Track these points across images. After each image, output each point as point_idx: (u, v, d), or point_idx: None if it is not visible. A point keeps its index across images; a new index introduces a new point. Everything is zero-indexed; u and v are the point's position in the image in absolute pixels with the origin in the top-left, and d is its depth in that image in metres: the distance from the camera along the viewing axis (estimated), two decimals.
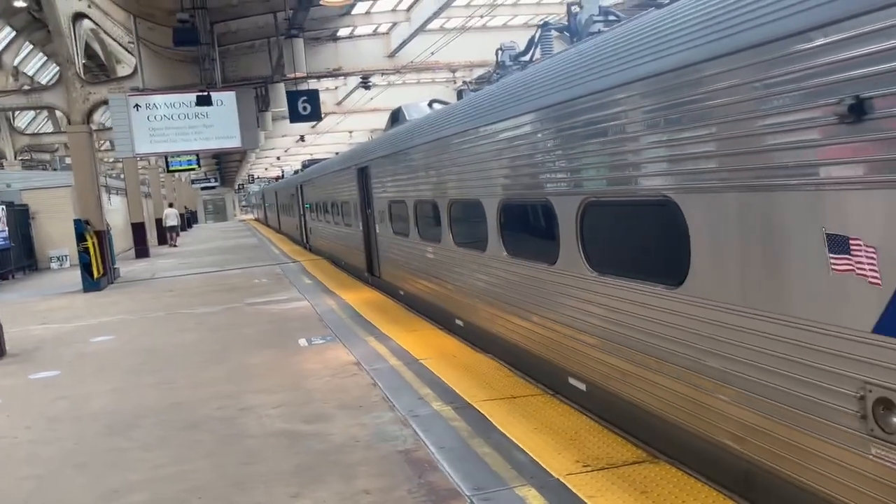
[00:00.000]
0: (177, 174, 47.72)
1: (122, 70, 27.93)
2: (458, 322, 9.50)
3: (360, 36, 21.82)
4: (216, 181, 63.06)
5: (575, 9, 7.89)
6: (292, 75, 15.79)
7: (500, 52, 9.34)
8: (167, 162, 31.69)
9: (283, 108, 19.56)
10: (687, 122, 4.37)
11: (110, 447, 6.42)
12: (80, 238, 18.38)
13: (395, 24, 20.66)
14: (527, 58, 8.83)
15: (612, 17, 7.13)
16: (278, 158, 61.34)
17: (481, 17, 18.99)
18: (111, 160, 40.11)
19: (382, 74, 22.99)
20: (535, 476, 4.91)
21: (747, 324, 4.01)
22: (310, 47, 20.73)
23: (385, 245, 13.56)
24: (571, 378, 6.35)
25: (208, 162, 55.53)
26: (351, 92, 28.73)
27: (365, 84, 23.19)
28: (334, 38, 21.37)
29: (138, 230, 30.69)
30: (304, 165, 31.16)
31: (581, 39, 7.10)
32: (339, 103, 31.75)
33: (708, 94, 4.12)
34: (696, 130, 4.29)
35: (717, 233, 4.24)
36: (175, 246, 36.03)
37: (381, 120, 22.96)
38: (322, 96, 32.16)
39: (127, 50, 22.16)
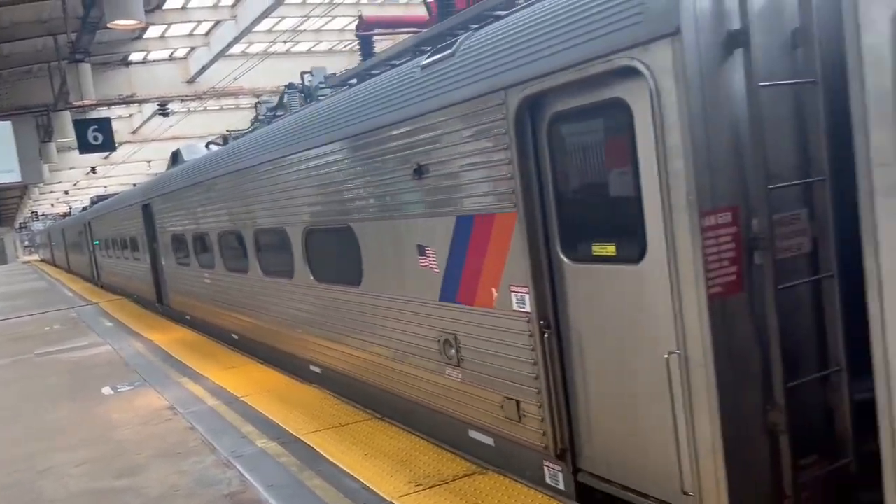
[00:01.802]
0: None
1: None
2: (234, 336, 11.25)
3: (155, 61, 20.74)
4: None
5: (307, 76, 9.83)
6: (79, 103, 14.59)
7: (258, 105, 11.15)
8: None
9: (70, 137, 18.00)
10: (350, 176, 6.55)
11: None
12: None
13: (192, 48, 19.87)
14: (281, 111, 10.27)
15: (332, 86, 8.54)
16: (66, 193, 56.22)
17: (284, 42, 18.79)
18: None
19: (182, 101, 21.94)
20: (368, 502, 4.89)
21: (390, 304, 6.21)
22: (99, 72, 19.31)
23: (170, 275, 14.85)
24: (311, 365, 8.31)
25: None
26: (148, 119, 27.11)
27: (163, 111, 21.97)
28: (126, 62, 20.13)
29: None
30: (93, 202, 30.50)
31: (312, 101, 8.81)
32: (134, 132, 29.80)
33: (359, 158, 6.31)
34: (354, 182, 6.50)
35: (371, 247, 6.43)
36: None
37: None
38: (115, 124, 30.11)
39: None
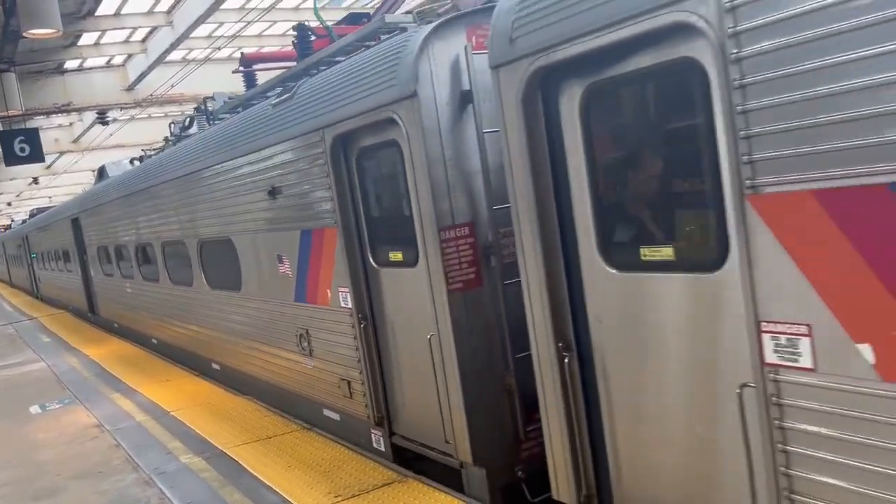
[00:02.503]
0: None
1: None
2: (154, 341, 12.22)
3: (91, 68, 20.21)
4: None
5: (210, 101, 10.14)
6: (5, 113, 14.16)
7: (171, 125, 11.49)
8: None
9: None
10: (229, 195, 7.50)
11: None
12: None
13: (130, 55, 19.43)
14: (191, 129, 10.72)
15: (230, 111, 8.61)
16: (9, 204, 54.58)
17: (220, 48, 18.52)
18: None
19: (121, 109, 21.44)
20: None
21: (262, 305, 7.31)
22: (31, 81, 18.78)
23: (99, 286, 15.83)
24: (212, 363, 9.29)
25: None
26: (88, 128, 26.47)
27: (102, 120, 21.45)
28: (61, 70, 19.59)
29: None
30: (32, 215, 31.18)
31: (213, 124, 9.21)
32: (75, 140, 29.08)
33: (234, 180, 7.36)
34: (232, 200, 7.49)
35: (246, 257, 7.48)
36: None
37: (126, 156, 21.41)
38: (56, 133, 29.36)
39: None
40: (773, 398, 2.78)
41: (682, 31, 2.89)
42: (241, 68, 8.47)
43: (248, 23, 17.32)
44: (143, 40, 18.60)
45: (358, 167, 5.50)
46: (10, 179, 39.16)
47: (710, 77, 2.88)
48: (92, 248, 15.36)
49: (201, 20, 15.40)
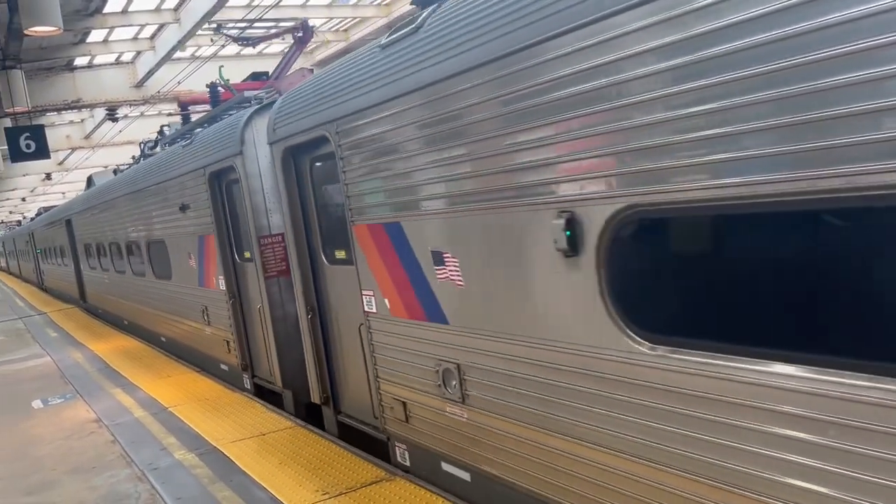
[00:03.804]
0: None
1: None
2: (125, 322, 14.63)
3: (101, 65, 20.31)
4: None
5: (165, 127, 12.31)
6: (11, 110, 14.24)
7: (141, 144, 13.30)
8: None
9: (4, 146, 17.59)
10: (162, 207, 9.87)
11: None
12: None
13: (139, 52, 19.52)
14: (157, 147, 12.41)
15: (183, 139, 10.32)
16: (23, 200, 55.07)
17: (226, 45, 18.55)
18: None
19: (131, 105, 21.55)
20: None
21: (183, 290, 9.70)
22: (41, 78, 18.91)
23: (87, 278, 18.59)
24: (161, 337, 11.85)
25: None
26: (99, 125, 26.63)
27: (111, 116, 21.56)
28: (71, 67, 19.70)
29: None
30: (38, 213, 34.67)
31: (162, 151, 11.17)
32: (86, 137, 29.27)
33: (165, 196, 9.79)
34: (163, 211, 9.94)
35: (174, 254, 9.84)
36: None
37: (135, 152, 21.52)
38: (67, 129, 29.56)
39: None
40: (368, 327, 5.34)
41: (328, 139, 5.38)
42: (179, 110, 11.31)
43: (253, 21, 17.36)
44: (152, 37, 18.68)
45: (225, 193, 8.11)
46: (23, 175, 39.52)
47: (341, 154, 5.21)
48: (80, 246, 18.32)
49: (208, 17, 15.44)
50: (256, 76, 9.78)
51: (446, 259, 4.34)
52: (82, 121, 28.93)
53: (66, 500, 5.63)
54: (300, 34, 8.80)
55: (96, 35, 17.95)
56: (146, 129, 26.70)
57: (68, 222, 19.57)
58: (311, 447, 5.99)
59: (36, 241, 29.87)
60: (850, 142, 2.29)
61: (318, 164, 5.98)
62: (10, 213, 66.56)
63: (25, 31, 9.40)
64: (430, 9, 4.43)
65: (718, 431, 2.87)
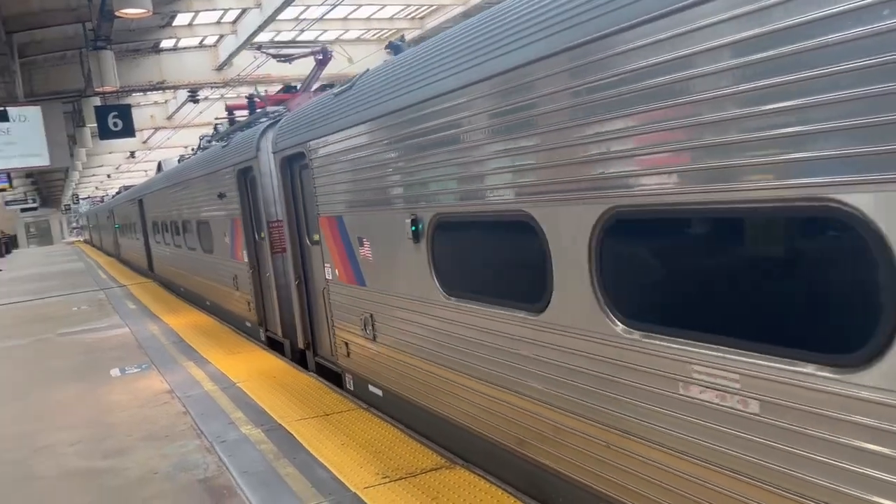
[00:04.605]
0: None
1: None
2: (182, 289, 17.23)
3: (185, 48, 20.98)
4: (35, 202, 57.95)
5: (219, 125, 14.95)
6: (100, 89, 14.86)
7: (201, 139, 15.10)
8: None
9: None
10: (204, 194, 12.48)
11: None
12: None
13: (221, 36, 20.06)
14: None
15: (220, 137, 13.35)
16: (109, 176, 57.53)
17: (304, 31, 18.83)
18: None
19: (211, 88, 22.21)
20: (334, 492, 4.91)
21: (220, 262, 12.38)
22: (129, 59, 19.67)
23: (154, 250, 21.27)
24: (206, 301, 14.47)
25: (24, 181, 50.98)
26: (181, 106, 27.53)
27: (193, 98, 22.28)
28: (157, 50, 20.42)
29: None
30: (118, 192, 38.64)
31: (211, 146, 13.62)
32: (169, 117, 30.31)
33: (206, 185, 12.46)
34: (205, 197, 12.52)
35: (215, 232, 12.26)
36: (0, 269, 33.83)
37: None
38: (151, 110, 30.65)
39: None
40: (327, 290, 7.41)
41: (305, 154, 7.39)
42: (226, 115, 14.34)
43: (334, 5, 17.59)
44: (234, 22, 19.15)
45: (248, 186, 10.17)
46: (109, 153, 41.25)
47: (311, 166, 7.23)
48: (149, 223, 21.18)
49: (288, 2, 15.72)
50: (288, 89, 12.07)
51: (364, 241, 6.44)
52: (166, 102, 29.97)
53: (139, 466, 5.86)
54: (321, 57, 10.59)
55: (182, 19, 18.55)
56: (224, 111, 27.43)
57: (140, 202, 22.28)
58: (372, 430, 6.06)
59: (115, 217, 32.93)
60: None
61: (303, 171, 7.82)
62: (96, 188, 69.68)
63: (116, 13, 9.77)
64: (361, 73, 6.68)
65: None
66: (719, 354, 3.01)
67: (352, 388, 7.35)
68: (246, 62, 19.89)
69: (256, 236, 10.08)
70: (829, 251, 2.64)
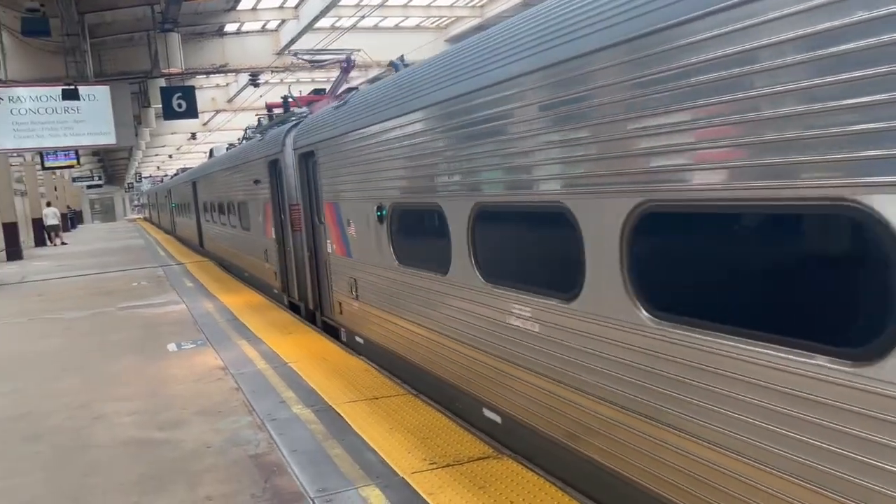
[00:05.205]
0: (58, 171, 45.15)
1: None
2: (224, 262, 19.53)
3: (247, 32, 21.32)
4: (101, 179, 59.94)
5: (263, 120, 16.60)
6: (167, 71, 15.22)
7: (246, 130, 17.83)
8: (42, 158, 29.85)
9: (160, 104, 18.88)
10: (240, 181, 15.18)
11: None
12: None
13: (283, 21, 20.30)
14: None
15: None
16: (170, 157, 59.05)
17: (366, 17, 18.90)
18: None
19: (272, 72, 22.52)
20: (382, 476, 4.94)
21: (254, 238, 14.56)
22: (194, 42, 20.07)
23: (206, 229, 23.12)
24: (244, 272, 16.30)
25: (91, 159, 52.71)
26: (242, 89, 28.01)
27: (254, 81, 22.63)
28: (221, 33, 20.79)
29: (9, 231, 28.76)
30: (175, 174, 42.58)
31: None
32: (230, 100, 30.88)
33: (241, 173, 15.26)
34: (241, 183, 15.32)
35: (251, 214, 14.54)
36: (66, 243, 35.34)
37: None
38: (213, 93, 31.26)
39: None
40: (328, 262, 9.47)
41: (314, 153, 9.44)
42: (266, 112, 16.16)
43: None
44: (297, 7, 19.35)
45: (276, 174, 11.83)
46: (172, 133, 42.25)
47: (318, 162, 9.28)
48: (201, 203, 23.40)
49: None
50: (317, 91, 13.91)
51: (350, 222, 8.29)
52: (227, 84, 30.52)
53: (193, 440, 6.00)
54: (345, 65, 12.49)
55: (246, 2, 18.83)
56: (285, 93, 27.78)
57: (193, 184, 24.73)
58: (421, 416, 6.07)
59: (172, 196, 35.86)
60: None
61: (314, 165, 9.71)
62: (158, 168, 71.62)
63: None
64: (354, 91, 9.24)
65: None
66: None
67: (344, 340, 9.34)
68: (307, 46, 20.07)
69: (282, 217, 11.85)
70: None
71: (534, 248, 4.94)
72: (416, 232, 6.84)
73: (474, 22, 21.35)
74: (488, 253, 5.26)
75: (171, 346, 9.82)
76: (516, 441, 5.16)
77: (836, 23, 2.50)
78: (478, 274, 5.36)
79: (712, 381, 3.26)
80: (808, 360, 2.79)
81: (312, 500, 4.64)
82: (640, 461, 3.84)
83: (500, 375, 5.22)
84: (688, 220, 3.43)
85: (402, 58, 9.53)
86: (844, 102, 2.52)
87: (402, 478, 4.85)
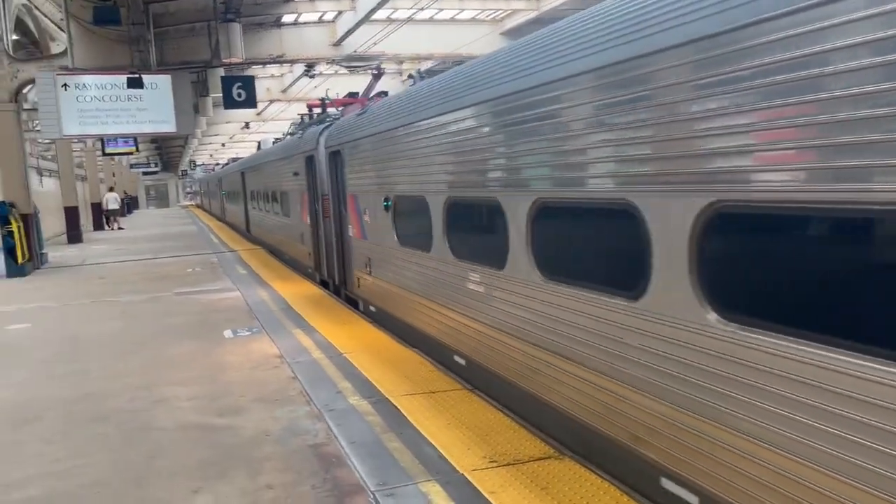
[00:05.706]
0: (116, 158, 46.35)
1: (56, 48, 26.92)
2: (265, 242, 21.92)
3: (305, 23, 21.48)
4: (157, 166, 61.39)
5: (305, 117, 18.19)
6: (227, 60, 15.44)
7: (290, 126, 19.25)
8: (103, 144, 30.67)
9: (220, 93, 19.18)
10: (279, 174, 18.32)
11: (8, 440, 6.18)
12: (4, 221, 17.67)
13: (340, 12, 20.41)
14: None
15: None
16: (223, 145, 60.08)
17: (423, 9, 18.87)
18: (47, 141, 38.64)
19: (327, 63, 22.68)
20: (441, 471, 4.90)
21: (296, 223, 16.45)
22: (253, 32, 20.31)
23: (252, 215, 25.44)
24: (283, 255, 18.78)
25: (148, 146, 53.99)
26: (297, 80, 28.29)
27: (309, 72, 22.83)
28: (278, 24, 21.00)
29: (71, 214, 29.64)
30: (226, 163, 46.27)
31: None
32: (284, 90, 31.23)
33: (279, 167, 18.55)
34: (279, 176, 18.47)
35: (291, 202, 16.87)
36: (122, 228, 36.38)
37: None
38: (268, 83, 31.65)
39: (59, 27, 21.35)
40: (350, 244, 11.69)
41: (341, 152, 11.52)
42: (307, 112, 17.40)
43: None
44: None
45: (312, 169, 13.47)
46: (226, 122, 42.94)
47: (343, 160, 11.37)
48: (248, 192, 25.58)
49: None
50: (352, 94, 15.16)
51: (366, 210, 10.15)
52: (282, 75, 30.85)
53: (252, 427, 6.06)
54: (376, 72, 14.13)
55: None
56: (339, 86, 27.99)
57: (242, 174, 27.02)
58: (478, 412, 6.02)
59: (223, 185, 38.52)
60: None
61: (340, 163, 11.45)
62: (211, 156, 72.97)
63: None
64: (372, 101, 11.63)
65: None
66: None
67: (361, 310, 11.15)
68: (363, 38, 20.16)
69: (315, 206, 13.71)
70: None
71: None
72: (413, 218, 8.39)
73: (531, 15, 21.13)
74: (459, 231, 7.06)
75: (228, 333, 9.95)
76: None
77: None
78: (448, 247, 7.22)
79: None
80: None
81: (373, 494, 4.62)
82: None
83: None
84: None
85: (418, 70, 11.66)
86: None
87: (463, 475, 4.81)
